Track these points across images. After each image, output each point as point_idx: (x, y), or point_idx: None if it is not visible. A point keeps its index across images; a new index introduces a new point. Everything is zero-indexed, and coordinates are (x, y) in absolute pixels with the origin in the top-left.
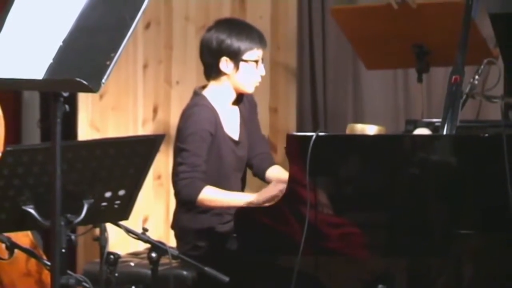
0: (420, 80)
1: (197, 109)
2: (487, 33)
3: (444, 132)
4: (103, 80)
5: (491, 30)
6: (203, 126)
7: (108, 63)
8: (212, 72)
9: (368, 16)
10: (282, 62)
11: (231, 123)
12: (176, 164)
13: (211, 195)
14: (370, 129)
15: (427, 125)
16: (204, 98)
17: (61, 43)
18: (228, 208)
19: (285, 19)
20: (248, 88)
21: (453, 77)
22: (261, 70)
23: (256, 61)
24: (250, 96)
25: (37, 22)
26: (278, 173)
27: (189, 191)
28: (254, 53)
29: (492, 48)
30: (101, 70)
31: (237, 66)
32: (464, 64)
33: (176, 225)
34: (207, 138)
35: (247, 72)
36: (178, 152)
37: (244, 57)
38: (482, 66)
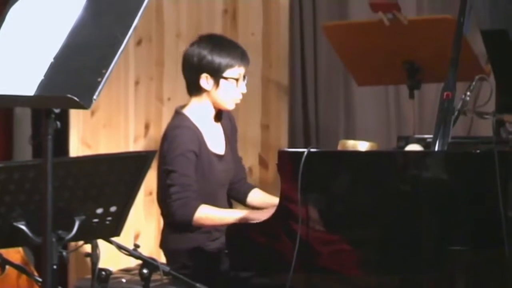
0: (411, 96)
1: (179, 131)
2: (478, 49)
3: (436, 149)
4: (94, 97)
5: (483, 46)
6: (188, 147)
7: (99, 79)
8: (193, 88)
9: (360, 33)
10: (273, 79)
11: (214, 139)
12: (165, 187)
13: (207, 213)
14: (362, 145)
15: (419, 141)
16: (185, 117)
17: (52, 60)
18: (222, 225)
19: (277, 36)
20: (228, 105)
21: (445, 93)
22: (242, 88)
23: (237, 79)
24: (233, 119)
25: (28, 38)
26: (262, 197)
27: (184, 211)
28: (235, 71)
29: (484, 65)
30: (93, 86)
31: (217, 83)
32: (455, 80)
33: (164, 245)
34: (192, 158)
35: (227, 90)
36: (165, 174)
37: (225, 74)
38: (473, 83)
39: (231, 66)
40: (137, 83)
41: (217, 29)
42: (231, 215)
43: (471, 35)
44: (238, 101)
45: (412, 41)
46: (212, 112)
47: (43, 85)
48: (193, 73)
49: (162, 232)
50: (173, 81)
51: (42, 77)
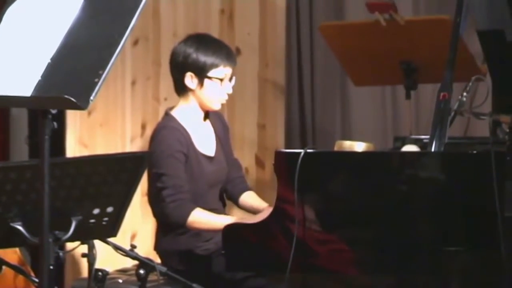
0: (408, 96)
1: (166, 132)
2: (475, 50)
3: (433, 149)
4: (91, 97)
5: (479, 46)
6: (176, 148)
7: (96, 80)
8: (179, 87)
9: (356, 33)
10: (270, 78)
11: (204, 140)
12: (157, 190)
13: (201, 217)
14: (359, 146)
15: (415, 141)
16: (173, 119)
17: (49, 60)
18: (214, 231)
19: (274, 36)
20: (214, 105)
21: (441, 94)
22: (227, 88)
23: (221, 79)
24: (223, 118)
25: (26, 39)
26: (252, 201)
27: (179, 213)
28: (220, 71)
29: (480, 65)
30: (90, 87)
31: (201, 83)
32: (452, 81)
33: (158, 247)
34: (181, 159)
35: (211, 89)
36: (156, 177)
37: (209, 73)
38: (470, 83)
39: (216, 65)
40: (134, 83)
41: (214, 29)
42: (223, 221)
43: (467, 35)
44: (224, 101)
45: (409, 41)
46: (200, 113)
47: (40, 86)
48: (178, 71)
49: (156, 234)
50: (170, 81)
51: (39, 78)
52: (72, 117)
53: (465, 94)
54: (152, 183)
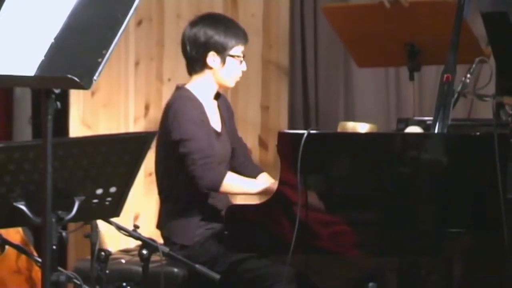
0: (411, 78)
1: (182, 101)
2: (478, 32)
3: (436, 131)
4: (94, 77)
5: (483, 29)
6: (196, 114)
7: (99, 60)
8: (196, 66)
9: (360, 15)
10: (274, 60)
11: (213, 116)
12: (181, 157)
13: (234, 180)
14: (362, 127)
15: (419, 123)
16: (187, 90)
17: (52, 40)
18: (246, 194)
19: (277, 18)
20: (231, 82)
21: (445, 75)
22: (243, 66)
23: (241, 57)
24: (228, 103)
25: (29, 19)
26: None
27: (212, 176)
28: (239, 49)
29: (484, 47)
30: (93, 67)
31: (223, 61)
32: (455, 63)
33: (161, 226)
34: (202, 125)
35: (232, 67)
36: (179, 144)
37: (231, 52)
38: (473, 65)
39: (236, 44)
40: (137, 63)
41: (217, 10)
42: (254, 186)
43: (471, 17)
44: (238, 79)
45: (413, 23)
46: (214, 89)
47: (43, 66)
48: (199, 51)
49: (159, 213)
50: (174, 62)
51: (42, 58)
52: (76, 97)
53: (468, 76)
54: (169, 152)
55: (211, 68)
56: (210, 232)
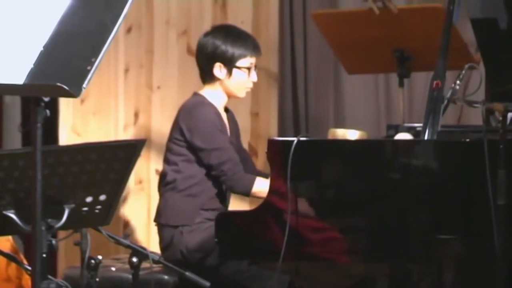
0: (401, 85)
1: (204, 108)
2: (468, 38)
3: (426, 137)
4: (84, 85)
5: (473, 35)
6: (218, 122)
7: (89, 68)
8: (206, 76)
9: (350, 21)
10: (263, 66)
11: (226, 124)
12: (212, 166)
13: (262, 185)
14: (352, 134)
15: (409, 130)
16: (204, 98)
17: (42, 48)
18: None
19: (267, 24)
20: (240, 93)
21: (434, 82)
22: (253, 77)
23: (249, 68)
24: (235, 118)
25: (18, 27)
26: None
27: (243, 184)
28: (247, 61)
29: (474, 53)
30: (82, 75)
31: (230, 72)
32: (445, 69)
33: (160, 215)
34: (225, 132)
35: (239, 79)
36: (207, 152)
37: (238, 64)
38: (463, 71)
39: (244, 56)
40: (126, 70)
41: (207, 17)
42: None
43: (461, 23)
44: (249, 90)
45: (402, 29)
46: (224, 99)
47: (32, 74)
48: (206, 62)
49: (159, 206)
50: (163, 69)
51: (31, 66)
52: (65, 105)
53: (458, 82)
54: (182, 149)
55: (219, 79)
56: (209, 224)
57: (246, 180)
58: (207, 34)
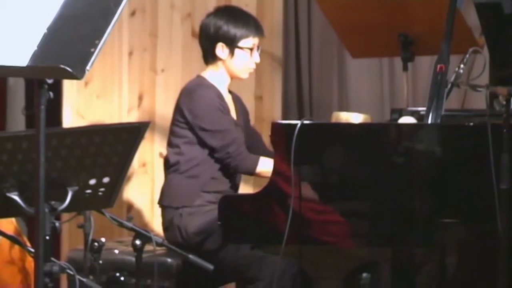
0: (405, 69)
1: (204, 90)
2: (472, 22)
3: (429, 121)
4: (87, 67)
5: (477, 19)
6: (219, 103)
7: (92, 50)
8: (209, 56)
9: (354, 5)
10: (267, 50)
11: (229, 105)
12: (214, 148)
13: (266, 163)
14: (355, 118)
15: (412, 113)
16: (205, 79)
17: (45, 30)
18: None
19: (271, 8)
20: (243, 74)
21: (438, 66)
22: (255, 58)
23: (251, 49)
24: (242, 102)
25: (22, 9)
26: None
27: (247, 164)
28: (250, 41)
29: (478, 37)
30: (86, 57)
31: (232, 53)
32: (449, 53)
33: (163, 196)
34: (226, 112)
35: (242, 59)
36: (210, 134)
37: (240, 44)
38: (467, 55)
39: (246, 36)
40: (130, 54)
41: (211, 0)
42: None
43: (465, 8)
44: (252, 71)
45: (406, 14)
46: (227, 80)
47: (36, 56)
48: (209, 42)
49: (162, 188)
50: (167, 52)
51: (35, 48)
52: (69, 87)
53: (462, 66)
54: (173, 133)
55: (221, 59)
56: (209, 207)
57: (250, 160)
58: (209, 15)
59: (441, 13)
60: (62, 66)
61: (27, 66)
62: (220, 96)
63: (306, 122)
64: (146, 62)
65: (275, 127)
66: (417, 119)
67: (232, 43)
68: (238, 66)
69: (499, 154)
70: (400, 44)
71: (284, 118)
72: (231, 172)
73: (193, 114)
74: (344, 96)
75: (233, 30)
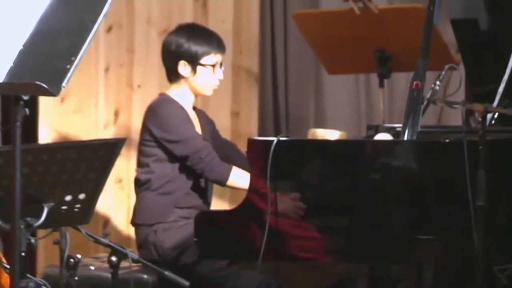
0: (381, 85)
1: (168, 104)
2: (448, 38)
3: (405, 138)
4: (63, 84)
5: (453, 35)
6: (185, 114)
7: (68, 66)
8: (172, 75)
9: (330, 21)
10: (244, 66)
11: (195, 123)
12: (183, 157)
13: (239, 174)
14: (331, 134)
15: (389, 130)
16: (168, 96)
17: (21, 47)
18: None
19: (247, 24)
20: (206, 91)
21: (414, 82)
22: (218, 74)
23: (213, 65)
24: (206, 115)
25: None
26: None
27: (220, 170)
28: (212, 58)
29: (454, 54)
30: (62, 73)
31: (194, 70)
32: (425, 69)
33: (136, 216)
34: (193, 124)
35: (204, 76)
36: (179, 145)
37: (202, 61)
38: (443, 72)
39: (207, 53)
40: (107, 69)
41: (188, 16)
42: None
43: (441, 24)
44: (215, 87)
45: (383, 30)
46: (191, 98)
47: (12, 72)
48: (171, 60)
49: (135, 208)
50: (144, 68)
51: (11, 64)
52: (45, 103)
53: (438, 82)
54: (141, 154)
55: (184, 77)
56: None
57: (223, 168)
58: (171, 33)
59: (418, 29)
60: (38, 82)
61: (3, 83)
62: (183, 110)
63: (282, 138)
64: (123, 78)
65: (252, 143)
66: (393, 135)
67: (194, 61)
68: (201, 83)
69: (475, 170)
70: (377, 60)
71: (260, 134)
72: (204, 179)
73: (160, 128)
74: (321, 112)
75: (195, 47)
